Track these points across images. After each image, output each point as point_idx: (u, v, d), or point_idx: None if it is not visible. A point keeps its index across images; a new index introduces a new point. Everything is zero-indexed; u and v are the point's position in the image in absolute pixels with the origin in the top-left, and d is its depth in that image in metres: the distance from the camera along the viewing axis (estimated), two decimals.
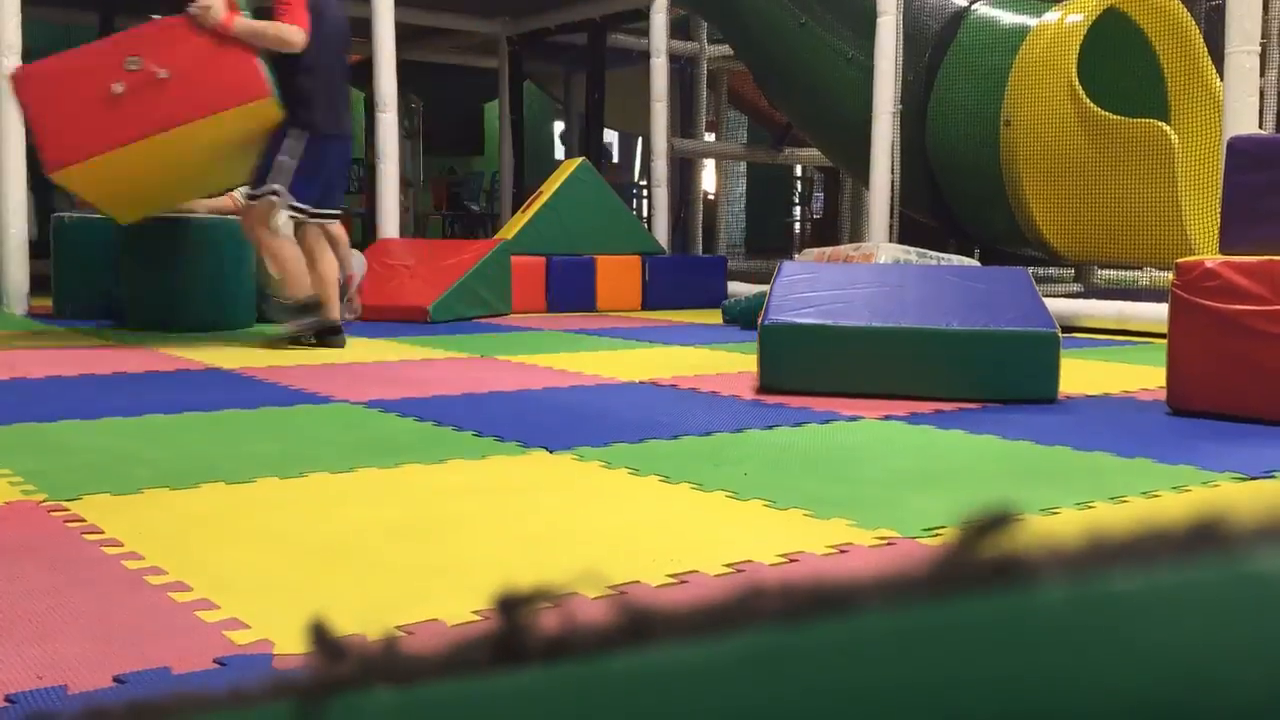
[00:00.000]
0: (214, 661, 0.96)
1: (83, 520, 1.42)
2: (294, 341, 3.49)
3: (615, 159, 11.57)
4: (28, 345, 3.42)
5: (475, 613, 1.09)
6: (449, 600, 1.12)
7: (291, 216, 3.54)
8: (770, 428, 2.13)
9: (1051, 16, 4.84)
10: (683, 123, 7.98)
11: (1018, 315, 2.57)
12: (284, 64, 3.45)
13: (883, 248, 4.19)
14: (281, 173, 3.44)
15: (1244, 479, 1.73)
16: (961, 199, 5.29)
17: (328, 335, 3.50)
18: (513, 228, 5.37)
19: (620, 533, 1.41)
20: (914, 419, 2.25)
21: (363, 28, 5.33)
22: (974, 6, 5.14)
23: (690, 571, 1.23)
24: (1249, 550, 0.18)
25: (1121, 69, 4.95)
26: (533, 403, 2.43)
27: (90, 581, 1.18)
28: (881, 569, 0.21)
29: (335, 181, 3.68)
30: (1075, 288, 5.62)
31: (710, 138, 8.60)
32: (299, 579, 1.20)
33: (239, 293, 4.10)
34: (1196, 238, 4.31)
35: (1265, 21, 5.54)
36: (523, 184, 7.74)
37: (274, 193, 3.43)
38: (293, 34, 3.40)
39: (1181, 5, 4.80)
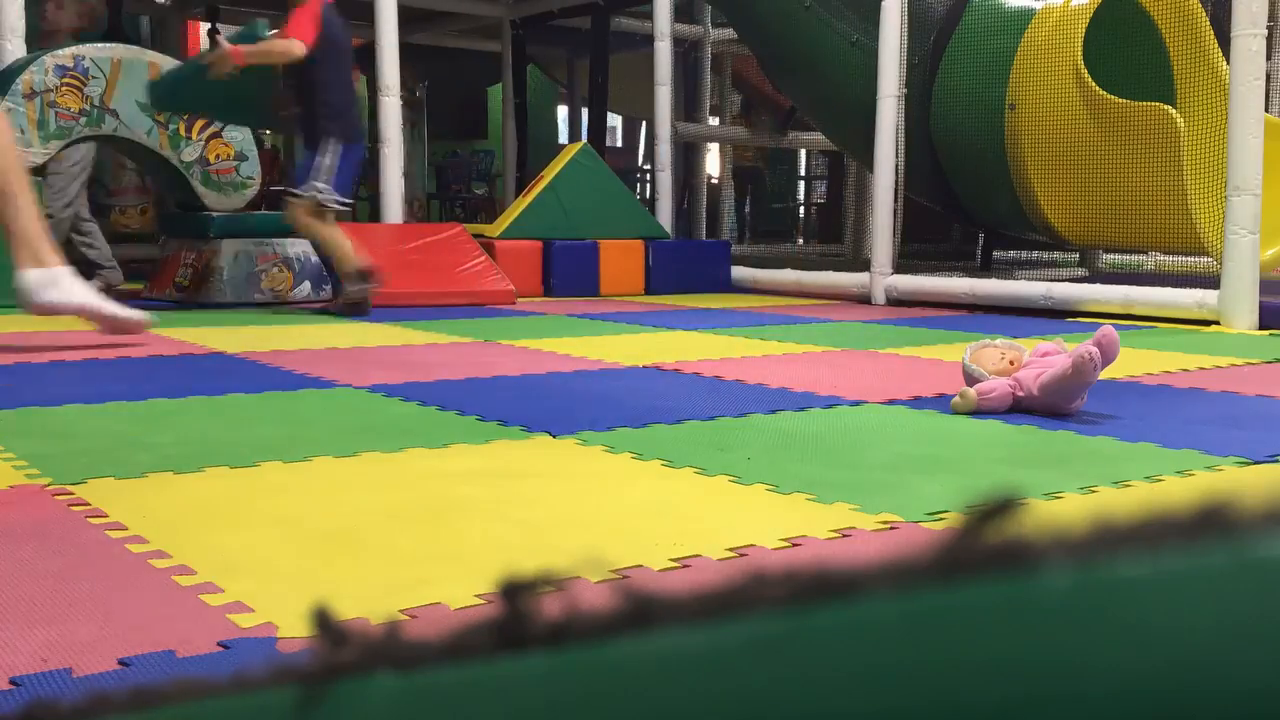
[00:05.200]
0: (218, 645, 0.97)
1: (87, 504, 1.42)
2: (354, 307, 4.07)
3: (619, 143, 11.54)
4: (31, 329, 3.42)
5: (478, 597, 1.09)
6: (452, 585, 1.12)
7: (330, 208, 4.13)
8: (773, 412, 2.13)
9: (1057, 0, 4.82)
10: (686, 106, 7.95)
11: None
12: (309, 85, 4.11)
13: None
14: (322, 174, 4.11)
15: (1248, 463, 1.73)
16: (965, 183, 5.27)
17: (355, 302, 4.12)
18: (514, 211, 5.36)
19: (623, 517, 1.41)
20: (917, 404, 2.25)
21: (365, 11, 5.31)
22: None
23: (693, 556, 1.23)
24: (1254, 535, 0.18)
25: (1127, 52, 4.93)
26: (536, 387, 2.43)
27: (95, 565, 1.18)
28: (885, 553, 0.21)
29: (350, 179, 4.34)
30: (1080, 272, 5.61)
31: (714, 121, 8.58)
32: (302, 563, 1.20)
33: None
34: (1202, 222, 4.30)
35: (1272, 4, 5.52)
36: (526, 167, 7.72)
37: (317, 191, 4.09)
38: (294, 45, 4.02)
39: None
